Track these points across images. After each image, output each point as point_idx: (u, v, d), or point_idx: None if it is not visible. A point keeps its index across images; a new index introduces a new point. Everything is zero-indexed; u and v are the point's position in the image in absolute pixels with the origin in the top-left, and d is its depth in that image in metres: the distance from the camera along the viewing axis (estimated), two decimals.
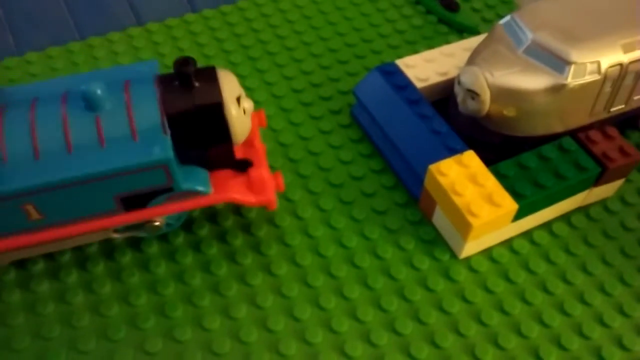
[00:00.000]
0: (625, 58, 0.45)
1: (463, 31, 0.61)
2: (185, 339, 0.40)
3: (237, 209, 0.47)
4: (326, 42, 0.60)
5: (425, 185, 0.46)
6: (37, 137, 0.37)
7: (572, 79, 0.44)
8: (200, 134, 0.39)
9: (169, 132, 0.38)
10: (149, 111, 0.38)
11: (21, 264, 0.43)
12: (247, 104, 0.41)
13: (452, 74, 0.52)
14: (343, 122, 0.54)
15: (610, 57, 0.45)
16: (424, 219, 0.47)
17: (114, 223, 0.40)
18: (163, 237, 0.45)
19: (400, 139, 0.49)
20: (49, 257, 0.44)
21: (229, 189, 0.42)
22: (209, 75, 0.39)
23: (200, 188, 0.40)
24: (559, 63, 0.44)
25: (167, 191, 0.40)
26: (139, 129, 0.38)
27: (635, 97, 0.48)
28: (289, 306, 0.42)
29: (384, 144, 0.51)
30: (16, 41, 0.59)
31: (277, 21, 0.61)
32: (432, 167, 0.45)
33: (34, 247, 0.42)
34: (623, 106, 0.48)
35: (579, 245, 0.47)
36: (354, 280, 0.44)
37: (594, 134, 0.47)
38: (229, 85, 0.40)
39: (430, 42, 0.60)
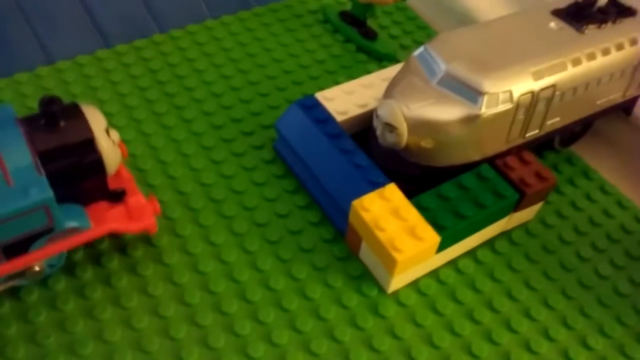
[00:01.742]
0: (536, 86, 0.46)
1: (382, 59, 0.62)
2: None
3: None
4: (246, 74, 0.59)
5: (350, 220, 0.46)
6: None
7: (486, 109, 0.45)
8: (73, 169, 0.40)
9: (43, 172, 0.38)
10: (18, 153, 0.38)
11: None
12: (114, 135, 0.42)
13: (372, 105, 0.52)
14: (266, 157, 0.53)
15: (522, 86, 0.46)
16: (352, 254, 0.47)
17: None
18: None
19: (323, 174, 0.48)
20: None
21: (109, 220, 0.42)
22: (75, 112, 0.40)
23: (81, 224, 0.40)
24: (472, 94, 0.45)
25: (47, 233, 0.39)
26: (12, 173, 0.37)
27: (549, 122, 0.50)
28: (216, 357, 0.41)
29: (308, 179, 0.50)
30: None
31: (193, 54, 0.60)
32: (355, 203, 0.44)
33: None
34: (537, 131, 0.49)
35: (504, 270, 0.47)
36: (283, 324, 0.43)
37: (511, 160, 0.48)
38: (96, 119, 0.40)
39: (350, 72, 0.60)
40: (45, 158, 0.38)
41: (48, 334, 0.41)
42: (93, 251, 0.45)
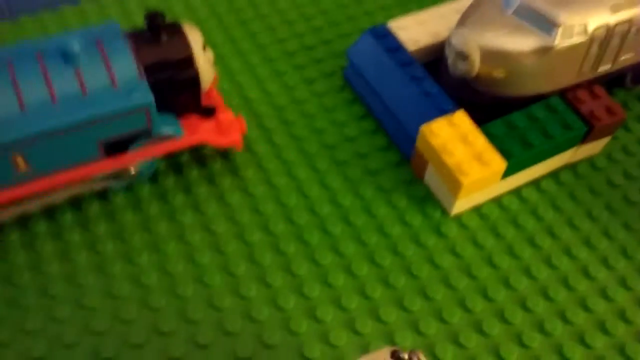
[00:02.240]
0: (612, 19, 0.46)
1: None
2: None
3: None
4: (318, 3, 0.60)
5: (417, 145, 0.47)
6: (21, 92, 0.39)
7: (560, 41, 0.45)
8: (172, 82, 0.43)
9: (145, 79, 0.41)
10: (124, 61, 0.41)
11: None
12: (210, 53, 0.45)
13: (444, 35, 0.52)
14: (336, 84, 0.54)
15: (597, 19, 0.45)
16: (416, 178, 0.49)
17: (99, 169, 0.43)
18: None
19: (392, 101, 0.50)
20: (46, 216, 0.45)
21: (200, 132, 0.45)
22: (177, 29, 0.43)
23: (175, 131, 0.44)
24: (547, 25, 0.45)
25: (144, 136, 0.43)
26: (118, 77, 0.41)
27: (622, 57, 0.49)
28: (286, 262, 0.44)
29: (376, 105, 0.52)
30: (8, 5, 0.59)
31: None
32: (424, 128, 0.46)
33: (23, 202, 0.43)
34: (610, 66, 0.49)
35: (566, 201, 0.48)
36: (349, 237, 0.45)
37: (582, 94, 0.49)
38: (195, 37, 0.43)
39: (423, 2, 0.61)
40: (148, 69, 0.42)
41: (133, 232, 0.44)
42: (175, 160, 0.48)
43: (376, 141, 0.51)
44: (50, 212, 0.45)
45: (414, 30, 0.52)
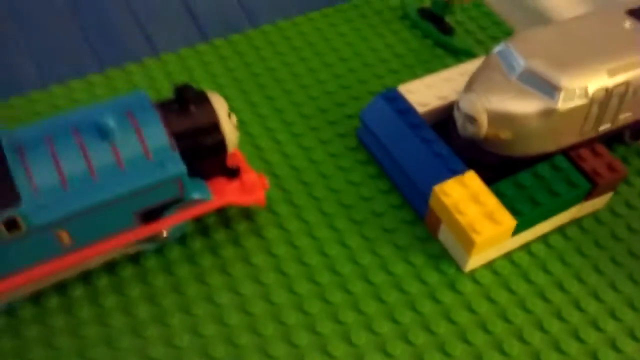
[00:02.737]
0: (610, 82, 0.49)
1: (459, 54, 0.65)
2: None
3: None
4: (330, 67, 0.64)
5: (430, 204, 0.50)
6: (63, 169, 0.41)
7: (563, 103, 0.48)
8: (200, 148, 0.46)
9: (177, 149, 0.44)
10: (156, 133, 0.43)
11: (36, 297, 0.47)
12: (234, 118, 0.47)
13: (451, 98, 0.55)
14: (350, 144, 0.57)
15: (597, 82, 0.49)
16: (430, 236, 0.51)
17: (135, 236, 0.45)
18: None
19: (405, 162, 0.52)
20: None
21: (227, 193, 0.48)
22: (203, 98, 0.46)
23: (205, 196, 0.46)
24: (550, 89, 0.48)
25: (176, 202, 0.45)
26: (151, 149, 0.43)
27: (621, 117, 0.52)
28: (310, 322, 0.46)
29: (390, 165, 0.55)
30: (38, 73, 0.62)
31: (283, 48, 0.65)
32: (437, 188, 0.48)
33: (63, 272, 0.45)
34: (610, 125, 0.52)
35: (574, 255, 0.51)
36: (369, 295, 0.47)
37: (584, 152, 0.51)
38: (220, 105, 0.46)
39: (428, 65, 0.64)
40: (178, 138, 0.44)
41: (165, 294, 0.47)
42: (201, 224, 0.51)
43: (391, 200, 0.53)
44: (85, 277, 0.47)
45: (422, 94, 0.56)
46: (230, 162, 0.49)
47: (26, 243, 0.41)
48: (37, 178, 0.41)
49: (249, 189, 0.49)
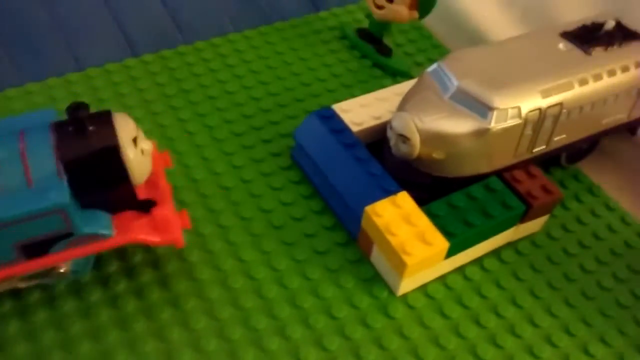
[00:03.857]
0: (543, 103, 0.48)
1: (396, 75, 0.64)
2: None
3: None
4: (266, 86, 0.62)
5: (362, 225, 0.48)
6: None
7: (495, 124, 0.47)
8: (98, 177, 0.40)
9: (65, 177, 0.38)
10: (43, 158, 0.39)
11: None
12: (145, 144, 0.42)
13: (386, 117, 0.54)
14: (283, 164, 0.55)
15: (530, 103, 0.48)
16: (363, 258, 0.49)
17: (15, 272, 0.40)
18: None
19: (338, 181, 0.51)
20: None
21: (132, 230, 0.42)
22: (104, 119, 0.40)
23: (101, 231, 0.41)
24: (483, 108, 0.47)
25: (67, 236, 0.40)
26: (34, 176, 0.38)
27: (556, 138, 0.52)
28: (232, 349, 0.43)
29: (323, 185, 0.53)
30: None
31: (217, 65, 0.63)
32: (368, 209, 0.46)
33: None
34: (544, 147, 0.52)
35: (509, 279, 0.49)
36: (296, 320, 0.45)
37: (519, 174, 0.51)
38: (125, 128, 0.40)
39: (366, 86, 0.63)
40: (70, 163, 0.39)
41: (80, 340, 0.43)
42: (127, 264, 0.47)
43: (323, 221, 0.51)
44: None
45: (356, 113, 0.54)
46: (150, 193, 0.43)
47: None
48: None
49: (162, 226, 0.42)
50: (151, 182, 0.44)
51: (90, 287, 0.45)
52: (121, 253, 0.47)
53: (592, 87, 0.50)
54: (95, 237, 0.41)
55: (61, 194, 0.38)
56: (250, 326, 0.44)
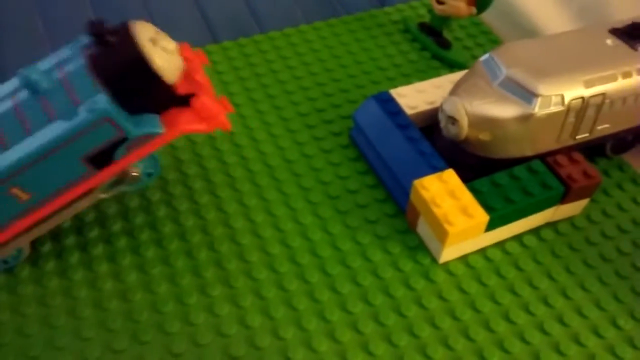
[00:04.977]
0: (586, 92, 0.52)
1: (453, 67, 0.69)
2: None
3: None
4: (330, 73, 0.67)
5: (410, 198, 0.53)
6: (2, 132, 0.43)
7: (539, 109, 0.51)
8: (131, 83, 0.43)
9: (102, 89, 0.42)
10: (80, 78, 0.43)
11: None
12: (169, 44, 0.44)
13: (438, 103, 0.58)
14: (342, 143, 0.61)
15: (573, 91, 0.51)
16: (409, 229, 0.54)
17: (92, 184, 0.46)
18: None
19: (391, 159, 0.56)
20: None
21: (179, 123, 0.45)
22: (122, 29, 0.43)
23: (151, 130, 0.44)
24: (528, 95, 0.51)
25: (123, 141, 0.44)
26: (78, 95, 0.43)
27: (599, 127, 0.55)
28: (287, 298, 0.49)
29: (377, 162, 0.58)
30: None
31: (287, 53, 0.69)
32: (417, 182, 0.51)
33: (38, 227, 0.48)
34: (588, 135, 0.55)
35: (546, 255, 0.53)
36: (345, 278, 0.50)
37: (561, 159, 0.54)
38: (143, 32, 0.43)
39: (424, 75, 0.68)
40: (103, 76, 0.43)
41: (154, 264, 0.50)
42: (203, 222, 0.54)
43: (375, 194, 0.56)
44: (82, 245, 0.51)
45: (412, 98, 0.59)
46: (190, 87, 0.46)
47: None
48: None
49: (205, 114, 0.45)
50: (189, 78, 0.47)
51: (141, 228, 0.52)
52: (196, 212, 0.54)
53: (636, 80, 0.53)
54: (148, 137, 0.44)
55: (102, 103, 0.42)
56: (305, 280, 0.50)
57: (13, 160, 0.42)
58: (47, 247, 0.51)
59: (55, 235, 0.51)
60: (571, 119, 0.53)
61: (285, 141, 0.60)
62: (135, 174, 0.48)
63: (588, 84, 0.52)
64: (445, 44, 0.70)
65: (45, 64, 0.45)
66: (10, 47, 0.69)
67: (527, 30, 0.73)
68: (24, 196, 0.44)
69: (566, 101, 0.51)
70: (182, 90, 0.46)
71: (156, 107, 0.45)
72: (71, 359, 0.45)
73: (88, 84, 0.43)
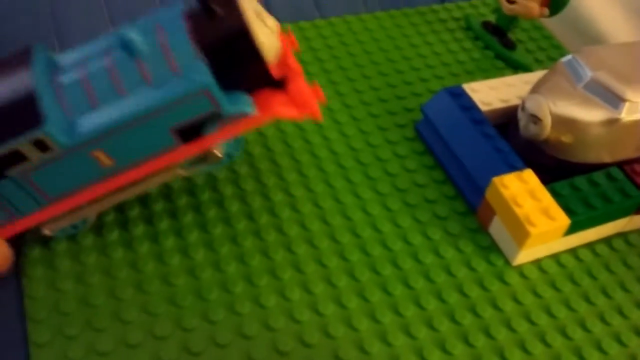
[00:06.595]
0: None
1: (517, 68, 0.67)
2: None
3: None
4: (393, 63, 0.66)
5: (486, 196, 0.51)
6: (92, 89, 0.41)
7: (626, 115, 0.50)
8: (232, 57, 0.42)
9: (203, 59, 0.41)
10: (182, 45, 0.41)
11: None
12: (270, 21, 0.43)
13: (513, 101, 0.57)
14: (408, 135, 0.59)
15: None
16: (481, 228, 0.52)
17: (178, 157, 0.43)
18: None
19: (464, 154, 0.54)
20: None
21: (273, 106, 0.43)
22: (229, 1, 0.42)
23: (245, 109, 0.42)
24: (615, 100, 0.50)
25: (215, 117, 0.42)
26: (177, 63, 0.41)
27: None
28: (360, 288, 0.47)
29: (447, 158, 0.56)
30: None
31: (349, 40, 0.67)
32: (496, 180, 0.50)
33: (112, 196, 0.45)
34: None
35: (618, 265, 0.51)
36: (418, 273, 0.48)
37: (639, 167, 0.53)
38: (249, 7, 0.42)
39: (487, 75, 0.66)
40: (205, 47, 0.41)
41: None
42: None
43: (444, 190, 0.55)
44: (147, 218, 0.49)
45: (485, 94, 0.57)
46: (282, 72, 0.44)
47: (65, 164, 0.41)
48: (66, 99, 0.41)
49: (299, 100, 0.43)
50: (281, 62, 0.45)
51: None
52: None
53: None
54: (240, 116, 0.43)
55: (203, 74, 0.40)
56: (376, 271, 0.48)
57: (103, 123, 0.40)
58: (110, 217, 0.48)
59: (120, 207, 0.49)
60: None
61: (349, 129, 0.58)
62: (218, 153, 0.46)
63: None
64: (510, 45, 0.68)
65: (142, 24, 0.42)
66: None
67: (590, 38, 0.72)
68: (107, 161, 0.42)
69: None
70: (274, 73, 0.44)
71: (251, 86, 0.43)
72: (140, 334, 0.42)
73: (188, 52, 0.41)
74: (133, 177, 0.43)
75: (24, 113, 0.39)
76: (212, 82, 0.40)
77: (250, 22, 0.41)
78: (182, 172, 0.46)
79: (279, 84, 0.44)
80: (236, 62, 0.42)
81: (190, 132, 0.42)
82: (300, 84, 0.44)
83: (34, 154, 0.40)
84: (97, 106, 0.41)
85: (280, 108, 0.43)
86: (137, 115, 0.40)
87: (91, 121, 0.40)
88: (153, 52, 0.41)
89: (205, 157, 0.46)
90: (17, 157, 0.40)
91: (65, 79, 0.41)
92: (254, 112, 0.43)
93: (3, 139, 0.39)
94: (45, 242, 0.46)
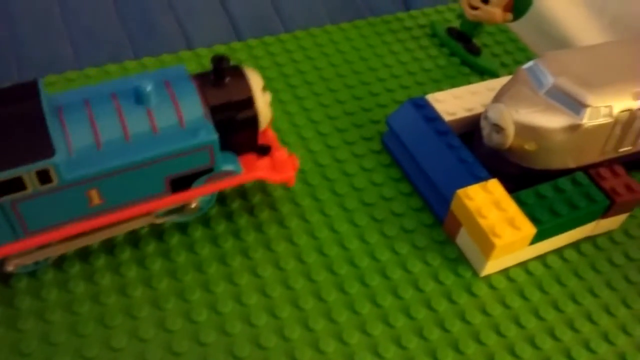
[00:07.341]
0: (634, 104, 0.51)
1: (484, 73, 0.67)
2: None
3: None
4: (359, 75, 0.65)
5: (451, 208, 0.51)
6: (98, 130, 0.42)
7: (588, 120, 0.50)
8: (233, 121, 0.46)
9: (210, 119, 0.45)
10: (191, 102, 0.44)
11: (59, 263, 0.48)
12: (268, 96, 0.48)
13: (477, 110, 0.57)
14: (374, 148, 0.59)
15: (622, 103, 0.50)
16: (448, 240, 0.52)
17: (163, 204, 0.46)
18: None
19: (429, 166, 0.54)
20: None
21: (257, 169, 0.48)
22: (238, 72, 0.47)
23: (235, 168, 0.47)
24: (577, 105, 0.50)
25: (207, 172, 0.46)
26: (186, 117, 0.44)
27: None
28: (327, 309, 0.47)
29: (413, 169, 0.56)
30: (76, 56, 0.64)
31: (314, 54, 0.67)
32: (461, 192, 0.49)
33: (89, 235, 0.46)
34: (630, 147, 0.54)
35: (587, 270, 0.51)
36: (386, 290, 0.48)
37: (603, 171, 0.53)
38: (255, 80, 0.47)
39: (454, 81, 0.66)
40: (212, 110, 0.45)
41: (187, 270, 0.47)
42: (225, 210, 0.52)
43: (411, 203, 0.54)
44: (108, 247, 0.48)
45: (449, 104, 0.57)
46: (262, 139, 0.49)
47: (57, 199, 0.41)
48: (72, 136, 0.41)
49: (279, 166, 0.49)
50: (263, 132, 0.49)
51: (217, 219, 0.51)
52: (228, 214, 0.51)
53: None
54: (227, 174, 0.47)
55: (210, 133, 0.44)
56: (344, 290, 0.48)
57: (109, 166, 0.41)
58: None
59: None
60: (617, 131, 0.51)
61: (316, 144, 0.58)
62: (193, 206, 0.48)
63: (636, 96, 0.51)
64: (475, 50, 0.68)
65: (151, 77, 0.44)
66: (30, 37, 0.66)
67: (555, 40, 0.72)
68: (97, 200, 0.43)
69: (614, 113, 0.50)
70: (260, 140, 0.49)
71: (240, 149, 0.48)
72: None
73: (197, 111, 0.44)
74: (115, 219, 0.44)
75: (37, 142, 0.40)
76: (217, 140, 0.44)
77: (255, 93, 0.46)
78: (155, 220, 0.48)
79: (263, 150, 0.49)
80: (237, 127, 0.46)
81: (182, 183, 0.46)
82: (282, 154, 0.50)
83: (33, 184, 0.40)
84: (102, 147, 0.42)
85: (264, 172, 0.49)
86: (141, 162, 0.42)
87: (95, 161, 0.41)
88: (163, 104, 0.44)
89: (182, 208, 0.48)
90: (17, 185, 0.40)
91: (70, 116, 0.42)
92: (240, 172, 0.47)
93: (12, 164, 0.39)
94: (6, 279, 0.46)
